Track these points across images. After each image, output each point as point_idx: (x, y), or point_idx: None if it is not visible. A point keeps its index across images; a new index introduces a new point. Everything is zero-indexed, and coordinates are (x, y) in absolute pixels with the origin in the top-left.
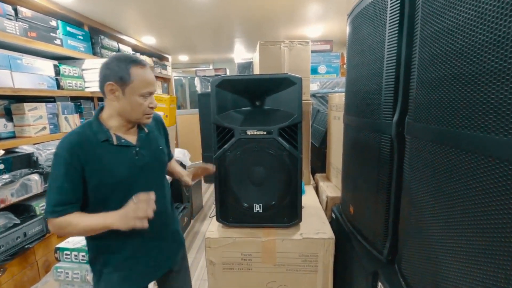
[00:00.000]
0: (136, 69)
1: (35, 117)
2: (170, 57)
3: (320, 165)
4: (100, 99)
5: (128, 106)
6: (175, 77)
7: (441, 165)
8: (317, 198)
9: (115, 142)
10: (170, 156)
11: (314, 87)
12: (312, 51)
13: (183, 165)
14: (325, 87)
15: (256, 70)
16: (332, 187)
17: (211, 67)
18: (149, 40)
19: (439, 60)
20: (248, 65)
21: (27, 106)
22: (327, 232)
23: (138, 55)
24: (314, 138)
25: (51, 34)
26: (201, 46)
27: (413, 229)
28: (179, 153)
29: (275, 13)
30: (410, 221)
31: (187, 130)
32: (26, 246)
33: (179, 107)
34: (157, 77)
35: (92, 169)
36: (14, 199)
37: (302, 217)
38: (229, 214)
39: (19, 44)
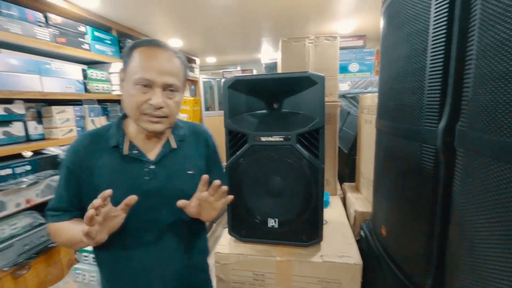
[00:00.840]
0: (139, 49)
1: (63, 119)
2: (197, 60)
3: (348, 173)
4: None
5: (123, 99)
6: (204, 79)
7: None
8: (344, 211)
9: (125, 151)
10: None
11: (344, 87)
12: (343, 48)
13: None
14: (357, 87)
15: (280, 69)
16: (362, 200)
17: (238, 68)
18: (176, 43)
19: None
20: (275, 65)
21: (55, 109)
22: (353, 256)
23: None
24: (343, 143)
25: (80, 39)
26: (228, 47)
27: (466, 266)
28: None
29: (303, 9)
30: (462, 256)
31: (215, 131)
32: (49, 245)
33: (207, 109)
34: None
35: (88, 180)
36: (39, 200)
37: (323, 236)
38: (242, 227)
39: (49, 50)
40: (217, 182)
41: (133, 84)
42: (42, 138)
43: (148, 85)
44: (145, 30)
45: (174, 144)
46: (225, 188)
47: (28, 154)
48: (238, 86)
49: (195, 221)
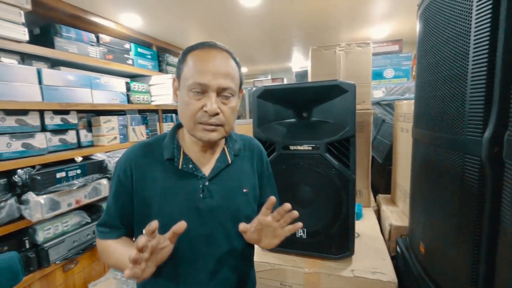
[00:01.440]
0: (192, 53)
1: (108, 128)
2: None
3: (384, 184)
4: (165, 112)
5: (178, 108)
6: None
7: None
8: (378, 224)
9: (180, 165)
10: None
11: (378, 93)
12: (377, 54)
13: None
14: (393, 94)
15: (310, 78)
16: (398, 214)
17: (269, 77)
18: None
19: None
20: (306, 74)
21: (102, 118)
22: (388, 273)
23: None
24: (377, 153)
25: (125, 55)
26: (259, 57)
27: None
28: None
29: (335, 17)
30: None
31: None
32: (94, 243)
33: (239, 117)
34: None
35: (140, 194)
36: (86, 200)
37: (355, 249)
38: None
39: (98, 66)
40: (287, 206)
41: (187, 91)
42: (91, 145)
43: (202, 90)
44: (182, 44)
45: (229, 159)
46: (295, 214)
47: (79, 159)
48: (267, 95)
49: (249, 246)
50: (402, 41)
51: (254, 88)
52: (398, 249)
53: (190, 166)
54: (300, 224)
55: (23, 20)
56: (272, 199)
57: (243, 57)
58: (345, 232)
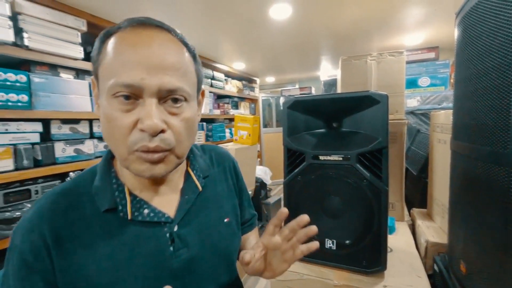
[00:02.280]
0: (115, 36)
1: None
2: (258, 79)
3: (419, 198)
4: (208, 121)
5: (101, 126)
6: (263, 98)
7: None
8: (413, 240)
9: (129, 215)
10: (248, 225)
11: (412, 102)
12: (412, 62)
13: (263, 184)
14: (428, 103)
15: (339, 88)
16: (435, 229)
17: (296, 86)
18: (239, 66)
19: None
20: (334, 82)
21: None
22: None
23: (229, 79)
24: (412, 164)
25: None
26: (287, 66)
27: None
28: (260, 171)
29: (364, 25)
30: None
31: (272, 148)
32: None
33: (265, 126)
34: (245, 98)
35: (68, 281)
36: None
37: (387, 264)
38: None
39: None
40: (303, 219)
41: (108, 98)
42: None
43: (133, 95)
44: (213, 56)
45: (199, 185)
46: (314, 230)
47: None
48: (297, 106)
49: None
50: (438, 48)
51: (281, 97)
52: (435, 267)
53: (146, 211)
54: (316, 243)
55: (80, 41)
56: (284, 211)
57: (271, 66)
58: (377, 245)
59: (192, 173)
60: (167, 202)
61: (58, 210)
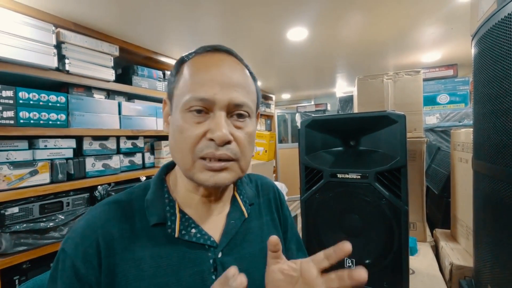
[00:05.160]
0: (190, 61)
1: (167, 151)
2: (273, 96)
3: (441, 218)
4: None
5: (170, 140)
6: (279, 113)
7: None
8: (436, 262)
9: (177, 233)
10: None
11: (432, 120)
12: (430, 79)
13: None
14: (449, 120)
15: (355, 106)
16: (460, 252)
17: (312, 102)
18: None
19: None
20: (350, 99)
21: (163, 143)
22: None
23: None
24: (433, 183)
25: None
26: (303, 84)
27: None
28: None
29: (380, 44)
30: None
31: (288, 163)
32: None
33: (281, 141)
34: (261, 115)
35: None
36: None
37: (409, 287)
38: None
39: (163, 97)
40: (347, 247)
41: (182, 112)
42: (153, 166)
43: (205, 109)
44: None
45: (245, 211)
46: (364, 276)
47: (143, 178)
48: (315, 125)
49: None
50: (457, 65)
51: (297, 113)
52: None
53: (193, 231)
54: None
55: (112, 64)
56: (347, 247)
57: (287, 84)
58: (398, 266)
59: (238, 198)
60: (214, 224)
61: (112, 220)
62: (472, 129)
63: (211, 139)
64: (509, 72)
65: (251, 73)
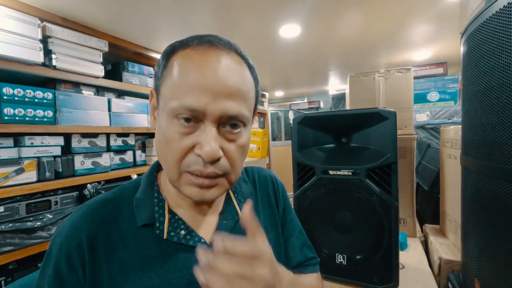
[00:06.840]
0: (182, 54)
1: None
2: (267, 94)
3: (431, 213)
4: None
5: (155, 141)
6: (272, 111)
7: None
8: (425, 257)
9: (165, 234)
10: (298, 259)
11: (422, 117)
12: (420, 77)
13: None
14: (438, 117)
15: (347, 104)
16: (448, 246)
17: (305, 100)
18: None
19: None
20: (343, 96)
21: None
22: None
23: None
24: (423, 179)
25: None
26: (296, 81)
27: None
28: None
29: (373, 43)
30: None
31: (281, 160)
32: None
33: (274, 139)
34: None
35: None
36: None
37: (399, 281)
38: None
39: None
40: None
41: (169, 116)
42: (144, 163)
43: (194, 118)
44: None
45: (239, 211)
46: (245, 209)
47: (134, 176)
48: (307, 122)
49: None
50: (446, 63)
51: (290, 111)
52: (449, 285)
53: (182, 232)
54: None
55: (101, 60)
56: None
57: (280, 82)
58: (388, 261)
59: (233, 197)
60: (205, 224)
61: (97, 221)
62: (460, 126)
63: (198, 155)
64: (495, 69)
65: (252, 70)
